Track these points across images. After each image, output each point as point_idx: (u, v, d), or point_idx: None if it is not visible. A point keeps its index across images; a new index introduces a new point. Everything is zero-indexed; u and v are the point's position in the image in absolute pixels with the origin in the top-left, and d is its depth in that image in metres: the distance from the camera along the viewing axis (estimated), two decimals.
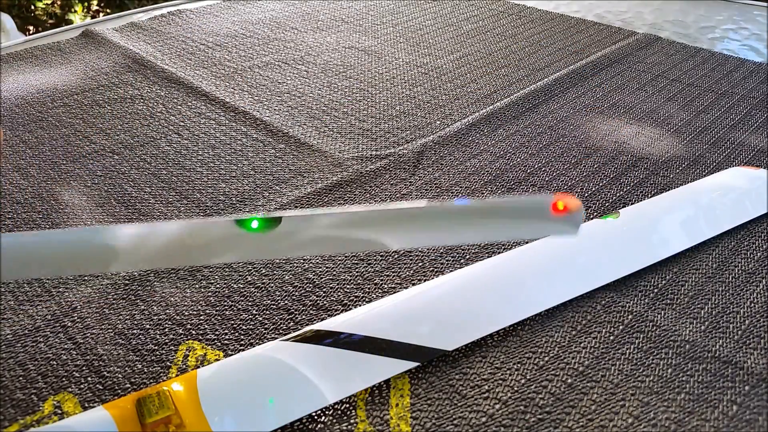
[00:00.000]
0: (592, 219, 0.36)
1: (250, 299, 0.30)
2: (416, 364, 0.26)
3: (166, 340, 0.28)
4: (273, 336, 0.28)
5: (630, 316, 0.29)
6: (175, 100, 0.49)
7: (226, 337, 0.28)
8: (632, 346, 0.28)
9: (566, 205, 0.23)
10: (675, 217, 0.35)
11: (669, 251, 0.33)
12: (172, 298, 0.30)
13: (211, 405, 0.24)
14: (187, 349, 0.28)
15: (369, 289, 0.31)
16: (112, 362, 0.27)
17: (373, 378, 0.26)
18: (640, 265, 0.32)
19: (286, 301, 0.30)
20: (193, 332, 0.28)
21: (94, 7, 2.22)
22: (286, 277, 0.32)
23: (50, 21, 2.07)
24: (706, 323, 0.29)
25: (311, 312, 0.30)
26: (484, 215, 0.23)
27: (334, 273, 0.32)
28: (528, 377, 0.26)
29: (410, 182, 0.39)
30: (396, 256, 0.33)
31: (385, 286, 0.31)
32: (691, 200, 0.37)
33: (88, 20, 0.73)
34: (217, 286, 0.31)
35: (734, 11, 0.74)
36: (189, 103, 0.49)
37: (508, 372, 0.26)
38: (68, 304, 0.30)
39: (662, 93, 0.51)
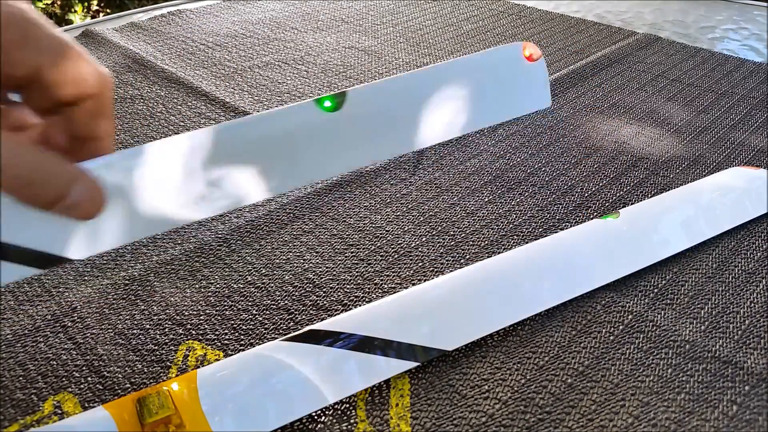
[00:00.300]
0: (592, 219, 0.36)
1: (250, 299, 0.30)
2: (416, 364, 0.26)
3: (166, 340, 0.28)
4: (273, 336, 0.28)
5: (630, 316, 0.29)
6: (175, 100, 0.49)
7: (226, 337, 0.28)
8: (632, 346, 0.28)
9: (531, 54, 0.30)
10: (675, 217, 0.35)
11: (669, 251, 0.33)
12: (172, 298, 0.30)
13: (211, 405, 0.24)
14: (187, 349, 0.28)
15: (369, 289, 0.31)
16: (112, 362, 0.27)
17: (373, 378, 0.26)
18: (640, 265, 0.32)
19: (286, 301, 0.30)
20: (193, 332, 0.28)
21: (94, 7, 2.22)
22: (286, 277, 0.32)
23: (50, 21, 2.06)
24: (706, 323, 0.29)
25: (311, 312, 0.30)
26: (470, 66, 0.29)
27: (334, 273, 0.32)
28: (528, 377, 0.26)
29: (410, 182, 0.39)
30: (396, 256, 0.33)
31: (385, 286, 0.31)
32: (691, 200, 0.37)
33: (88, 20, 0.73)
34: (217, 286, 0.31)
35: (734, 11, 0.74)
36: (189, 103, 0.49)
37: (508, 372, 0.26)
38: (68, 304, 0.30)
39: (662, 93, 0.51)
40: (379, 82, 0.27)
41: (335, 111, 0.26)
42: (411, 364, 0.26)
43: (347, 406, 0.25)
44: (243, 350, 0.27)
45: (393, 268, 0.32)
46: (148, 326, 0.29)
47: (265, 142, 0.25)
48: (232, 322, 0.29)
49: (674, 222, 0.35)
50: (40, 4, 2.06)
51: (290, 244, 0.34)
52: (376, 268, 0.32)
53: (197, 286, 0.31)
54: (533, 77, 0.30)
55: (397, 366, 0.26)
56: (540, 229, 0.35)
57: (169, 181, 0.24)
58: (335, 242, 0.34)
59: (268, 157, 0.25)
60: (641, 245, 0.33)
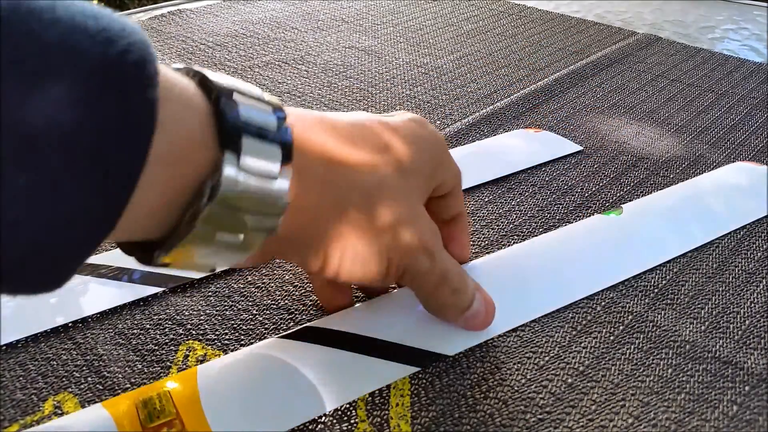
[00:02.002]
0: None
1: (250, 299, 0.30)
2: (416, 369, 0.26)
3: (166, 340, 0.28)
4: (273, 336, 0.28)
5: (630, 316, 0.29)
6: None
7: (226, 337, 0.28)
8: (632, 346, 0.28)
9: (536, 129, 0.44)
10: (675, 216, 0.35)
11: (670, 251, 0.33)
12: (172, 298, 0.30)
13: (211, 405, 0.24)
14: (187, 349, 0.28)
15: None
16: (112, 362, 0.27)
17: (373, 379, 0.25)
18: (642, 267, 0.32)
19: (286, 301, 0.30)
20: (193, 332, 0.28)
21: None
22: (286, 277, 0.32)
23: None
24: (706, 323, 0.29)
25: (311, 312, 0.30)
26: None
27: None
28: (528, 377, 0.26)
29: None
30: None
31: None
32: (691, 199, 0.37)
33: None
34: (217, 286, 0.31)
35: (734, 11, 0.74)
36: None
37: (508, 372, 0.26)
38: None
39: (662, 93, 0.51)
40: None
41: None
42: (411, 369, 0.26)
43: (347, 406, 0.25)
44: None
45: None
46: (148, 326, 0.29)
47: None
48: (233, 322, 0.29)
49: (675, 222, 0.35)
50: None
51: None
52: None
53: (197, 285, 0.31)
54: (551, 137, 0.44)
55: (396, 369, 0.26)
56: (540, 229, 0.35)
57: None
58: None
59: None
60: (642, 246, 0.33)
